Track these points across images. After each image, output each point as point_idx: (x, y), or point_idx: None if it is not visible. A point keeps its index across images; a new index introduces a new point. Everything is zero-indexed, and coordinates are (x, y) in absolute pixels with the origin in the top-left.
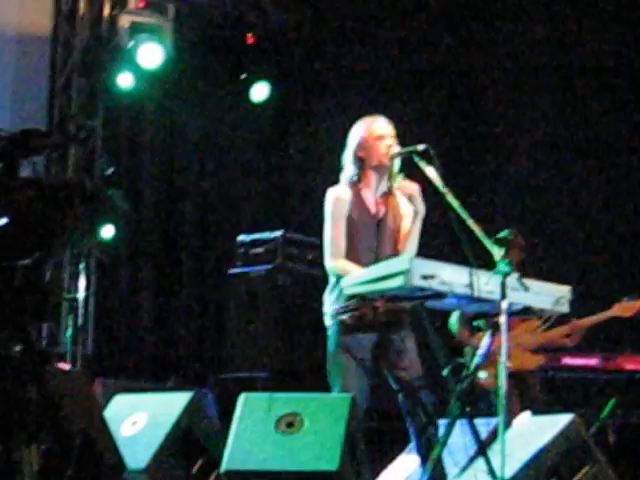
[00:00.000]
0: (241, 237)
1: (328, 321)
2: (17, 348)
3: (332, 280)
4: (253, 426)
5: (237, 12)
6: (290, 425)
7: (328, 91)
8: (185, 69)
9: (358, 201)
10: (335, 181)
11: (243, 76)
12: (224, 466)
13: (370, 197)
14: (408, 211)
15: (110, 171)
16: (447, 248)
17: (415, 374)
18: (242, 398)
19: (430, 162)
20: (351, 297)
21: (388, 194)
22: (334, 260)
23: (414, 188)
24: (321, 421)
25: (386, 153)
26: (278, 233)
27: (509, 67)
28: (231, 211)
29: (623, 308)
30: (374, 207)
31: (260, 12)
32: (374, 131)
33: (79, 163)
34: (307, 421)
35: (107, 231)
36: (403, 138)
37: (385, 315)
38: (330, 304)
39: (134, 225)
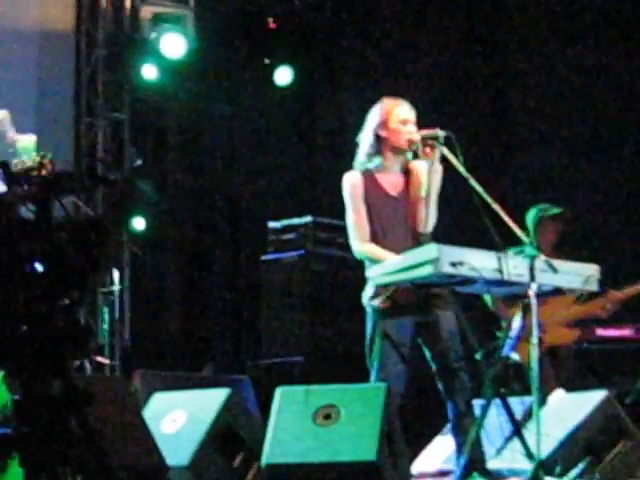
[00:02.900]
0: (271, 223)
1: (366, 306)
2: (57, 385)
3: (368, 265)
4: (291, 419)
5: None
6: (327, 417)
7: (352, 73)
8: (209, 57)
9: (373, 185)
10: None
11: (266, 61)
12: (264, 460)
13: (386, 178)
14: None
15: (138, 163)
16: (474, 234)
17: (454, 355)
18: (279, 392)
19: (452, 147)
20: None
21: (405, 172)
22: (361, 244)
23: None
24: (357, 411)
25: (408, 138)
26: (308, 218)
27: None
28: (261, 197)
29: None
30: (391, 187)
31: None
32: (398, 114)
33: (107, 156)
34: (344, 412)
35: (138, 223)
36: (427, 120)
37: (419, 298)
38: (367, 291)
39: (164, 215)
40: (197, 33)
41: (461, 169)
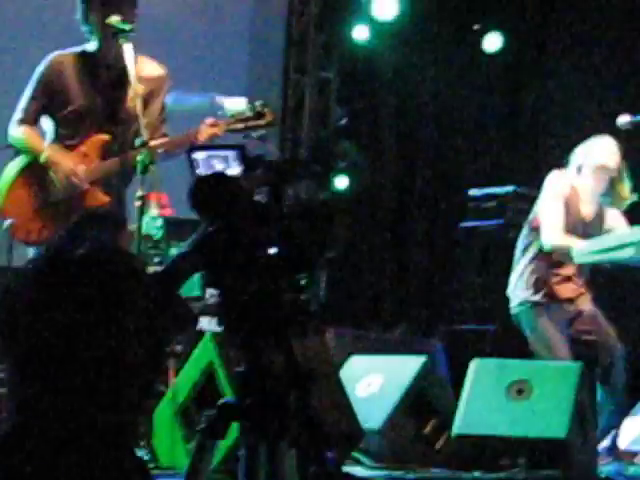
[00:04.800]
0: (472, 191)
1: (521, 304)
2: (279, 359)
3: (522, 264)
4: (484, 392)
5: None
6: (520, 392)
7: (562, 43)
8: (419, 20)
9: (573, 198)
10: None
11: (476, 26)
12: (455, 430)
13: (585, 197)
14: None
15: (344, 122)
16: None
17: (611, 342)
18: (473, 363)
19: None
20: (538, 278)
21: (600, 203)
22: (554, 235)
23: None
24: (550, 388)
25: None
26: (509, 188)
27: None
28: (463, 164)
29: None
30: (587, 208)
31: None
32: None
33: (314, 115)
34: (536, 388)
35: (341, 182)
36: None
37: (573, 290)
38: (522, 288)
39: (368, 176)
40: None
41: None
